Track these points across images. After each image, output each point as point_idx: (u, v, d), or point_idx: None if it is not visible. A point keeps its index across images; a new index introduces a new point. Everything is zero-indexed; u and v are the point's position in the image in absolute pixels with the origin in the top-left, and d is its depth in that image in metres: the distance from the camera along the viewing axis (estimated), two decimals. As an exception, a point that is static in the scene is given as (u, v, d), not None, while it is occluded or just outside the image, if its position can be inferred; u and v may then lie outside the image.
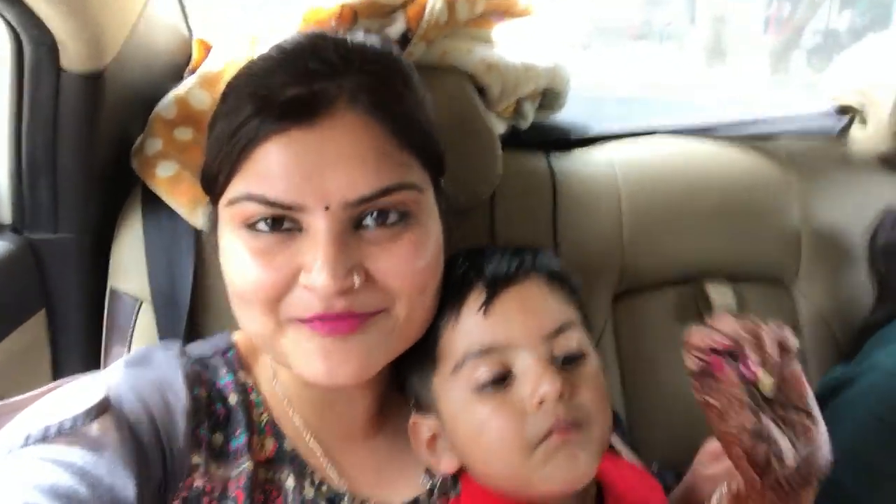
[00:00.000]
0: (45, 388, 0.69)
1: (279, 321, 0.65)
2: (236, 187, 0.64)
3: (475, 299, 0.68)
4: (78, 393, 0.64)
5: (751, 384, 0.60)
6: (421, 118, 0.68)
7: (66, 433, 0.59)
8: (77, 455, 0.58)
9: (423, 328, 0.69)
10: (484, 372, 0.66)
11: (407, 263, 0.64)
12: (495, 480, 0.68)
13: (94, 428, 0.60)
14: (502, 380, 0.66)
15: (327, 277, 0.60)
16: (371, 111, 0.63)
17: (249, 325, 0.67)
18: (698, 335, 0.61)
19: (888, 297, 1.13)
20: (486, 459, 0.67)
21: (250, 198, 0.63)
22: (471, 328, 0.67)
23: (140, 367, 0.69)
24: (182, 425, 0.65)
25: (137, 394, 0.65)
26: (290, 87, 0.62)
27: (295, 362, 0.66)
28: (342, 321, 0.63)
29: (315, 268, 0.61)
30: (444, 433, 0.70)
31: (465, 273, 0.70)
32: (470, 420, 0.66)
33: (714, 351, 0.60)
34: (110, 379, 0.67)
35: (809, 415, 0.62)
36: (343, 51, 0.66)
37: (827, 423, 0.97)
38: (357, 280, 0.62)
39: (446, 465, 0.71)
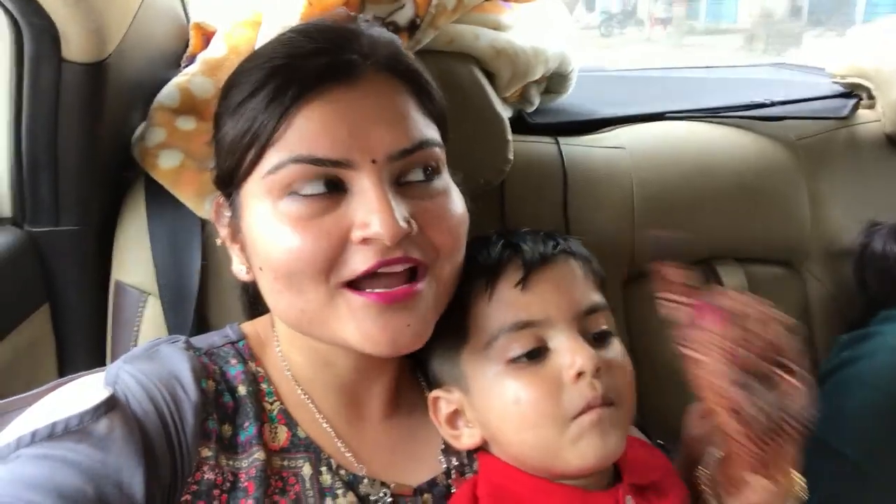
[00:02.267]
0: (47, 386, 0.68)
1: (330, 289, 0.63)
2: (276, 155, 0.63)
3: (512, 276, 0.68)
4: (84, 390, 0.63)
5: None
6: (433, 92, 0.71)
7: (74, 431, 0.59)
8: (84, 453, 0.58)
9: (452, 293, 0.69)
10: (520, 346, 0.66)
11: (445, 216, 0.66)
12: (524, 455, 0.68)
13: (102, 425, 0.60)
14: (536, 354, 0.66)
15: (389, 222, 0.60)
16: (396, 78, 0.67)
17: (294, 302, 0.65)
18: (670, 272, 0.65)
19: (874, 306, 1.12)
20: (518, 432, 0.66)
21: (296, 160, 0.62)
22: (507, 303, 0.68)
23: (146, 361, 0.68)
24: (191, 419, 0.64)
25: (145, 389, 0.64)
26: (321, 56, 0.64)
27: (350, 334, 0.64)
28: (399, 293, 0.63)
29: (373, 218, 0.61)
30: (470, 407, 0.70)
31: (501, 250, 0.70)
32: (504, 392, 0.66)
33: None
34: (116, 375, 0.66)
35: (792, 371, 0.63)
36: (358, 31, 0.69)
37: (832, 395, 0.99)
38: (413, 226, 0.63)
39: (467, 441, 0.71)
